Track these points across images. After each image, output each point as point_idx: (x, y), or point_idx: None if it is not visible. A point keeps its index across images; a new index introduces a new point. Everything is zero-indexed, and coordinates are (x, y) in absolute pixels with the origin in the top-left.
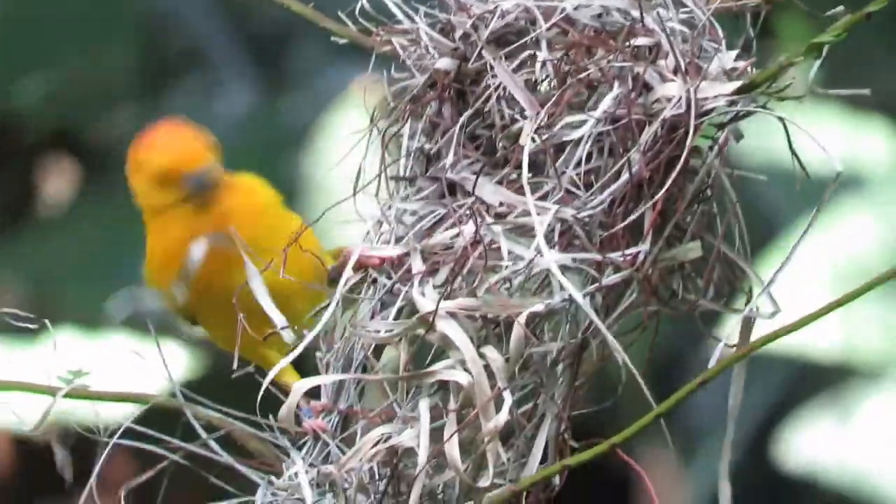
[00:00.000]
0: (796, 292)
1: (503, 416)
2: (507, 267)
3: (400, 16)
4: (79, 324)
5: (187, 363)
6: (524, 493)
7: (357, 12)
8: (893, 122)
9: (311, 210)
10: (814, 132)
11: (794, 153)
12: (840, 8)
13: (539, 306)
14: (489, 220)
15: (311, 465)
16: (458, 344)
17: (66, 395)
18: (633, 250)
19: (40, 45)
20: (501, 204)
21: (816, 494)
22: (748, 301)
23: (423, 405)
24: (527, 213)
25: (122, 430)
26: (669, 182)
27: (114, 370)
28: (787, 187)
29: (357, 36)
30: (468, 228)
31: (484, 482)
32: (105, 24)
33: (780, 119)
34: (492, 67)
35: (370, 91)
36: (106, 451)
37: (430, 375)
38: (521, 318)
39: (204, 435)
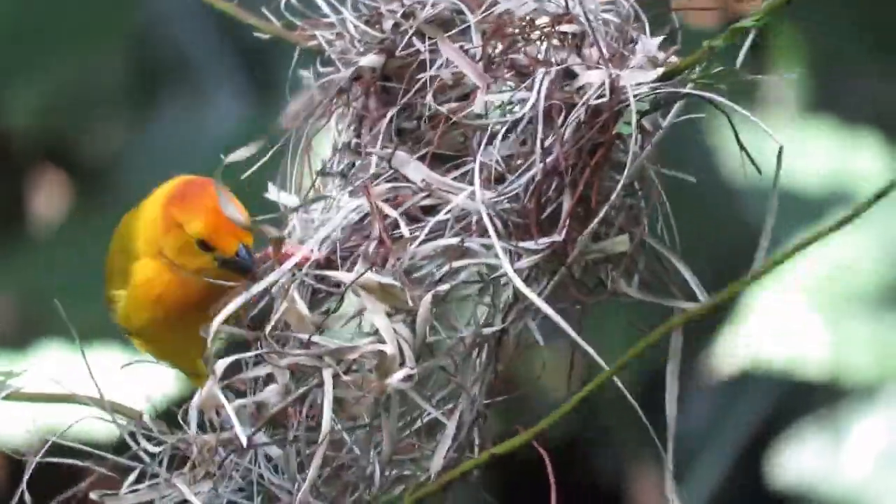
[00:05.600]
0: (787, 310)
1: (401, 374)
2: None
3: (326, 9)
4: (69, 339)
5: (175, 382)
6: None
7: (283, 7)
8: (885, 138)
9: None
10: (805, 148)
11: (742, 148)
12: None
13: (443, 287)
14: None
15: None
16: (372, 312)
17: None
18: (546, 240)
19: (29, 57)
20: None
21: None
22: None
23: (327, 373)
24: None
25: (47, 445)
26: (590, 168)
27: (102, 385)
28: (778, 203)
29: (281, 31)
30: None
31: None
32: (94, 36)
33: (722, 111)
34: (428, 51)
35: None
36: (31, 466)
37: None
38: (426, 298)
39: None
